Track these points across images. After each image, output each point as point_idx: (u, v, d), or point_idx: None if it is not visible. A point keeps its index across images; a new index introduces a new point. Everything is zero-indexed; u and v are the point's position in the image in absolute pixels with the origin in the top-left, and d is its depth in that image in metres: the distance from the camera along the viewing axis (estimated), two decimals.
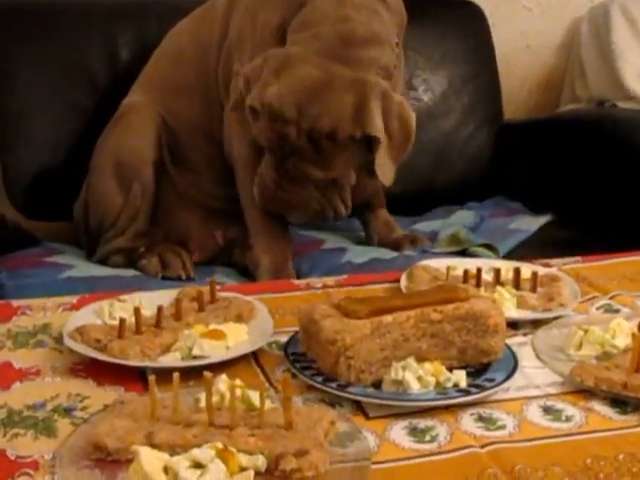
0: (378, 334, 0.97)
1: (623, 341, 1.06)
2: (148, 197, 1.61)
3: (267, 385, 0.99)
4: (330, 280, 1.32)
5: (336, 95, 1.42)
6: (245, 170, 1.59)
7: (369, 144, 1.45)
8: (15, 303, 1.21)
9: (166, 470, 0.79)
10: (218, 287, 1.23)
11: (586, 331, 1.07)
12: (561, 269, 1.35)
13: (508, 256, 1.56)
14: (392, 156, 1.46)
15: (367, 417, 0.93)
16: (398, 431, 0.90)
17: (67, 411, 0.93)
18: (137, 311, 1.05)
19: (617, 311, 1.20)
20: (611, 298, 1.25)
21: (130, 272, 1.55)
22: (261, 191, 1.52)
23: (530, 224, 1.77)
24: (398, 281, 1.27)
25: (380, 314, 0.98)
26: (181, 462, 0.80)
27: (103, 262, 1.61)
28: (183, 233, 1.66)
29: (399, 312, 0.99)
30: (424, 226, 1.81)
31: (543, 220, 1.80)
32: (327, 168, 1.47)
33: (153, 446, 0.83)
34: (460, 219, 1.81)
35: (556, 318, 1.16)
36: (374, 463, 0.84)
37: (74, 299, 1.23)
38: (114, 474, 0.80)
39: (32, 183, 1.77)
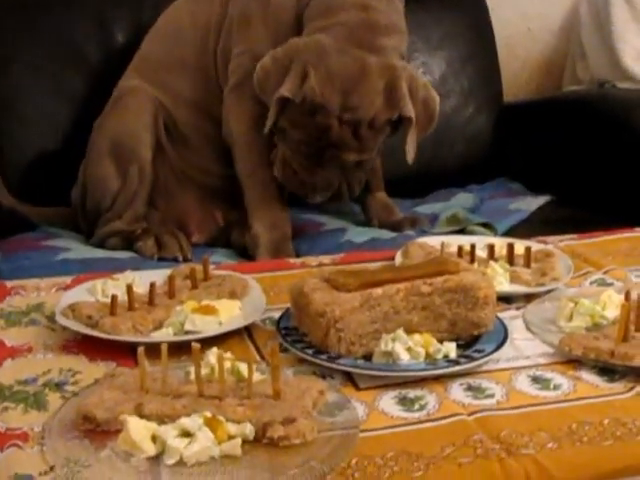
0: (368, 306, 0.98)
1: (613, 312, 1.07)
2: (146, 179, 1.63)
3: (258, 358, 1.01)
4: (326, 258, 1.34)
5: (371, 82, 1.49)
6: (244, 149, 1.61)
7: (396, 125, 1.53)
8: (9, 284, 1.22)
9: (154, 439, 0.81)
10: (212, 266, 1.26)
11: (576, 303, 1.08)
12: (557, 246, 1.36)
13: (506, 235, 1.57)
14: (416, 136, 1.53)
15: (357, 388, 0.94)
16: (387, 401, 0.92)
17: (58, 386, 0.94)
18: (129, 288, 1.07)
19: (610, 284, 1.22)
20: (605, 273, 1.26)
21: (127, 254, 1.56)
22: (284, 176, 1.56)
23: (529, 204, 1.78)
24: (394, 259, 1.29)
25: (370, 287, 1.00)
26: (169, 431, 0.81)
27: (100, 245, 1.62)
28: (182, 214, 1.68)
29: (389, 285, 1.00)
30: (425, 209, 1.82)
31: (542, 200, 1.81)
32: (363, 152, 1.53)
33: (142, 416, 0.84)
34: (460, 201, 1.82)
35: (549, 292, 1.18)
36: (363, 431, 0.85)
37: (68, 279, 1.24)
38: (103, 444, 0.82)
39: (28, 168, 1.78)
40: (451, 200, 1.85)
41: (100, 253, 1.55)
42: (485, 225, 1.61)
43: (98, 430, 0.84)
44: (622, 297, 1.09)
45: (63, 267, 1.41)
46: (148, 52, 1.74)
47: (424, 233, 1.61)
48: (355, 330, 0.97)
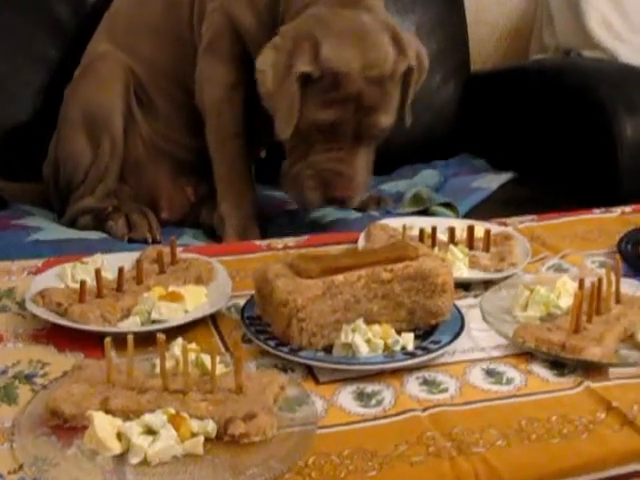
0: (330, 294, 1.00)
1: (567, 301, 1.10)
2: (117, 152, 1.62)
3: (223, 349, 1.04)
4: (291, 241, 1.36)
5: (379, 37, 1.49)
6: (213, 118, 1.59)
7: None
8: None
9: (119, 436, 0.84)
10: (180, 248, 1.28)
11: (532, 291, 1.11)
12: (516, 228, 1.39)
13: (468, 215, 1.60)
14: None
15: (317, 382, 0.97)
16: (346, 395, 0.95)
17: (28, 378, 0.97)
18: (98, 273, 1.09)
19: (566, 270, 1.25)
20: (562, 257, 1.29)
21: (97, 234, 1.57)
22: (312, 190, 1.52)
23: (491, 182, 1.80)
24: (351, 243, 1.32)
25: (332, 273, 1.02)
26: (134, 428, 0.84)
27: (72, 223, 1.62)
28: (153, 190, 1.68)
29: (350, 271, 1.02)
30: (390, 187, 1.84)
31: (504, 178, 1.83)
32: (391, 112, 1.52)
33: (108, 411, 0.87)
34: (424, 179, 1.84)
35: (506, 278, 1.21)
36: (321, 427, 0.89)
37: (39, 262, 1.26)
38: (70, 441, 0.85)
39: None
40: (415, 177, 1.87)
41: (71, 233, 1.55)
42: (447, 205, 1.63)
43: (66, 426, 0.87)
44: (577, 285, 1.13)
45: (34, 249, 1.42)
46: (117, 13, 1.71)
47: (388, 213, 1.63)
48: (317, 320, 1.00)
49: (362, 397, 0.95)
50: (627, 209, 1.49)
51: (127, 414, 0.87)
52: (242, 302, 1.11)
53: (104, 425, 0.84)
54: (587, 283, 1.10)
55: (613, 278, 1.10)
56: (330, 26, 1.47)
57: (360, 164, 1.52)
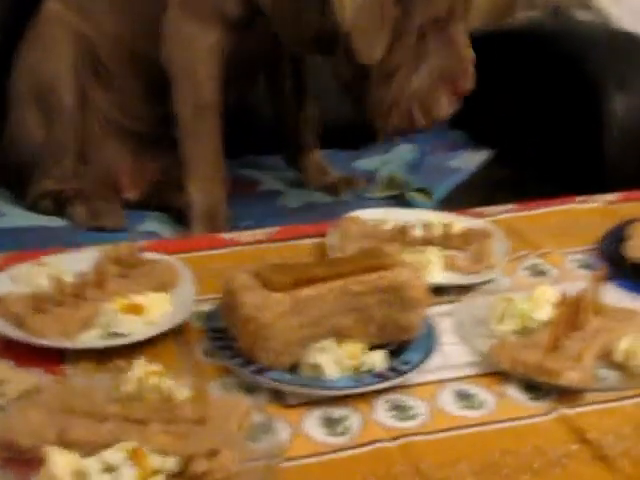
0: (298, 310, 0.99)
1: (545, 313, 1.10)
2: (71, 129, 1.57)
3: (186, 365, 1.03)
4: (261, 234, 1.34)
5: None
6: (188, 82, 1.51)
7: None
8: None
9: (78, 474, 0.83)
10: (143, 241, 1.26)
11: (509, 302, 1.10)
12: (494, 220, 1.38)
13: (444, 201, 1.58)
14: None
15: (285, 403, 0.97)
16: (313, 421, 0.94)
17: None
18: (57, 281, 1.07)
19: (545, 272, 1.24)
20: (541, 256, 1.29)
21: (59, 222, 1.54)
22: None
23: (469, 161, 1.77)
24: (323, 236, 1.30)
25: (301, 285, 1.01)
26: (92, 465, 0.83)
27: (33, 208, 1.59)
28: (113, 168, 1.63)
29: (320, 283, 1.01)
30: (363, 164, 1.81)
31: (483, 156, 1.81)
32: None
33: (66, 443, 0.86)
34: (399, 155, 1.81)
35: (482, 283, 1.20)
36: (287, 460, 0.88)
37: None
38: (26, 477, 0.84)
39: None
40: (389, 153, 1.83)
41: (32, 221, 1.52)
42: (422, 190, 1.61)
43: (22, 459, 0.86)
44: (556, 292, 1.12)
45: None
46: None
47: (360, 198, 1.61)
48: (284, 338, 0.99)
49: (329, 423, 0.94)
50: (612, 198, 1.48)
51: (87, 446, 0.87)
52: (207, 307, 1.11)
53: (61, 462, 0.83)
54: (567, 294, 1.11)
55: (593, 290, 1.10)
56: None
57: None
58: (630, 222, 1.33)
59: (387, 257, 1.05)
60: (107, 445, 0.85)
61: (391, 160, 1.81)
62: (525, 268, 1.26)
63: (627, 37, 1.84)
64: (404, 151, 1.86)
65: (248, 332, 0.98)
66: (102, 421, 0.89)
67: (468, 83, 1.45)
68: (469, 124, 1.94)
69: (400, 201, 1.60)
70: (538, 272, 1.25)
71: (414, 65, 1.43)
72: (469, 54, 1.45)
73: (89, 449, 0.86)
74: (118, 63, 1.60)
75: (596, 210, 1.44)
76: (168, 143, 1.58)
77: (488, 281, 1.20)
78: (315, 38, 1.47)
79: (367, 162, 1.84)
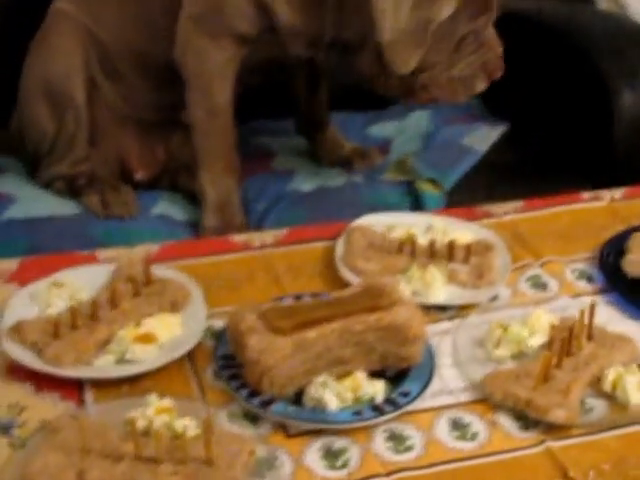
0: (301, 350, 1.08)
1: (540, 339, 1.17)
2: (82, 123, 1.65)
3: (197, 392, 1.11)
4: (269, 236, 1.41)
5: None
6: (202, 90, 1.59)
7: None
8: None
9: None
10: (155, 248, 1.34)
11: (505, 329, 1.18)
12: (500, 221, 1.44)
13: (452, 193, 1.64)
14: None
15: (287, 433, 1.06)
16: (314, 453, 1.03)
17: (5, 429, 1.04)
18: (73, 310, 1.15)
19: (545, 285, 1.31)
20: (542, 265, 1.35)
21: (72, 208, 1.63)
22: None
23: (482, 140, 1.82)
24: (338, 236, 1.37)
25: (304, 327, 1.09)
26: None
27: (47, 186, 1.68)
28: (123, 152, 1.71)
29: (323, 325, 1.09)
30: (377, 130, 1.87)
31: (498, 132, 1.85)
32: None
33: None
34: (415, 123, 1.86)
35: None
36: None
37: (15, 264, 1.32)
38: None
39: None
40: (405, 119, 1.89)
41: (46, 207, 1.61)
42: (432, 181, 1.67)
43: None
44: (550, 317, 1.19)
45: (8, 232, 1.48)
46: None
47: (371, 180, 1.67)
48: (287, 374, 1.07)
49: (329, 455, 1.03)
50: (617, 194, 1.53)
51: None
52: (217, 324, 1.19)
53: None
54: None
55: (587, 318, 1.16)
56: None
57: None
58: (631, 231, 1.38)
59: (385, 297, 1.12)
60: None
61: (406, 129, 1.87)
62: (526, 279, 1.32)
63: (636, 30, 1.86)
64: (419, 119, 1.91)
65: (253, 371, 1.07)
66: (117, 461, 0.98)
67: (500, 71, 1.58)
68: (487, 94, 1.97)
69: (410, 188, 1.67)
70: (539, 284, 1.31)
71: (450, 64, 1.54)
72: (501, 51, 1.56)
73: None
74: (126, 61, 1.67)
75: (601, 209, 1.49)
76: (174, 127, 1.68)
77: (489, 299, 1.27)
78: (330, 45, 1.53)
79: (382, 129, 1.91)
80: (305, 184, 1.70)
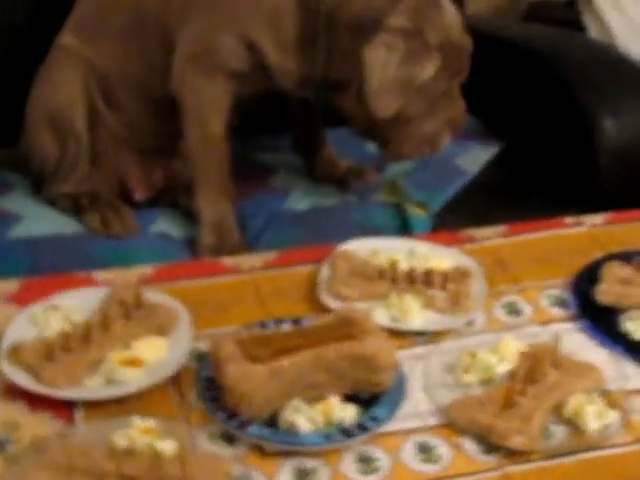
0: (276, 376, 1.16)
1: (508, 365, 1.25)
2: (84, 147, 1.76)
3: (180, 410, 1.20)
4: (258, 261, 1.49)
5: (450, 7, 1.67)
6: (198, 122, 1.70)
7: None
8: None
9: None
10: (150, 270, 1.43)
11: (474, 356, 1.26)
12: (481, 247, 1.52)
13: (440, 214, 1.73)
14: None
15: (263, 453, 1.14)
16: (286, 474, 1.11)
17: (1, 445, 1.13)
18: (65, 333, 1.25)
19: (519, 312, 1.38)
20: (519, 291, 1.42)
21: (73, 226, 1.73)
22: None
23: (474, 161, 1.90)
24: (324, 260, 1.45)
25: (279, 355, 1.17)
26: None
27: (52, 203, 1.78)
28: (123, 174, 1.82)
29: (297, 353, 1.18)
30: (374, 147, 1.95)
31: (490, 152, 1.93)
32: None
33: None
34: None
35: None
36: None
37: (16, 285, 1.41)
38: None
39: None
40: None
41: (48, 225, 1.72)
42: (419, 204, 1.76)
43: None
44: (519, 344, 1.27)
45: (11, 252, 1.60)
46: (84, 9, 1.80)
47: (363, 201, 1.76)
48: (263, 399, 1.16)
49: (301, 476, 1.11)
50: (598, 220, 1.60)
51: None
52: (203, 346, 1.27)
53: None
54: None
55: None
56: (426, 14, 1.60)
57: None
58: (607, 259, 1.45)
59: (358, 325, 1.20)
60: None
61: None
62: (502, 306, 1.40)
63: (620, 60, 1.95)
64: None
65: (231, 397, 1.15)
66: (99, 479, 1.07)
67: (462, 124, 1.74)
68: (483, 112, 2.06)
69: (399, 209, 1.75)
70: (514, 311, 1.39)
71: (425, 118, 1.67)
72: (463, 105, 1.71)
73: None
74: (126, 92, 1.78)
75: (582, 235, 1.56)
76: (173, 153, 1.79)
77: (462, 325, 1.35)
78: (319, 86, 1.66)
79: None
80: (300, 203, 1.79)
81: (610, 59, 1.94)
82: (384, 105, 1.60)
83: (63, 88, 1.75)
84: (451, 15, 1.64)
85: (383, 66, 1.56)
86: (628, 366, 1.28)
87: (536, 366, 1.22)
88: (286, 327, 1.28)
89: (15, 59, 1.89)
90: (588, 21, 2.20)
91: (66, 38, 1.79)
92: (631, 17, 2.16)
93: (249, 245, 1.68)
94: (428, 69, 1.59)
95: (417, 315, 1.34)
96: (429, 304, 1.37)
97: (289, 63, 1.64)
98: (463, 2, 2.15)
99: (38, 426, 1.17)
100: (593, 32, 2.19)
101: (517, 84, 1.98)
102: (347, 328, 1.22)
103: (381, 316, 1.34)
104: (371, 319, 1.25)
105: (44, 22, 1.86)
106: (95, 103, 1.77)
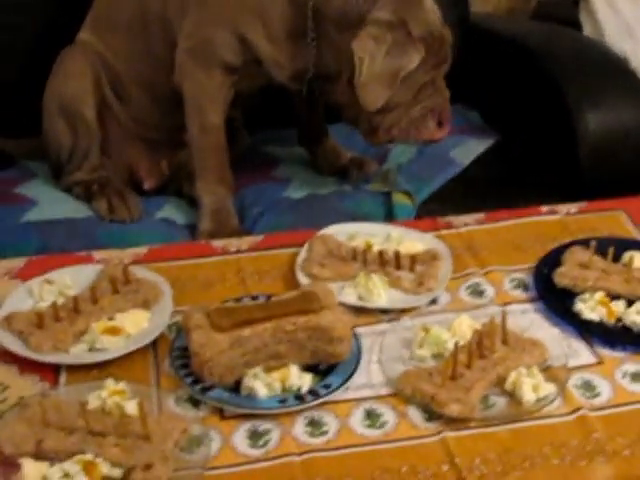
0: (237, 345, 1.27)
1: (462, 340, 1.34)
2: (94, 137, 1.90)
3: (153, 381, 1.32)
4: (245, 243, 1.61)
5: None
6: (198, 111, 1.82)
7: None
8: None
9: (44, 478, 1.15)
10: (144, 250, 1.56)
11: (428, 331, 1.35)
12: (458, 232, 1.61)
13: (424, 205, 1.83)
14: None
15: (222, 416, 1.25)
16: (241, 434, 1.22)
17: None
18: (55, 305, 1.37)
19: (482, 292, 1.47)
20: (484, 274, 1.51)
21: (84, 211, 1.87)
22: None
23: (467, 153, 1.99)
24: (303, 245, 1.56)
25: (241, 326, 1.29)
26: (54, 473, 1.14)
27: (68, 190, 1.93)
28: (132, 164, 1.96)
29: (258, 324, 1.29)
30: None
31: (485, 145, 2.01)
32: None
33: (41, 452, 1.17)
34: None
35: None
36: (213, 468, 1.17)
37: (22, 262, 1.55)
38: (8, 476, 1.16)
39: (2, 102, 2.04)
40: None
41: (60, 210, 1.85)
42: (407, 193, 1.85)
43: (7, 462, 1.18)
44: (473, 322, 1.36)
45: (24, 234, 1.75)
46: (99, 7, 1.95)
47: (357, 189, 1.86)
48: (226, 365, 1.27)
49: (254, 436, 1.22)
50: (572, 209, 1.68)
51: (57, 454, 1.18)
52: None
53: (31, 470, 1.14)
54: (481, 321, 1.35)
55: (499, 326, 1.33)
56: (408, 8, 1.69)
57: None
58: (570, 244, 1.53)
59: (316, 302, 1.31)
60: (72, 454, 1.17)
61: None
62: (467, 287, 1.49)
63: (606, 56, 2.02)
64: None
65: (195, 363, 1.27)
66: (71, 433, 1.20)
67: (448, 113, 1.80)
68: (482, 105, 2.14)
69: (387, 198, 1.86)
70: (477, 292, 1.48)
71: (410, 106, 1.76)
72: (447, 94, 1.79)
73: (59, 457, 1.17)
74: (135, 86, 1.93)
75: (553, 223, 1.64)
76: (178, 144, 1.91)
77: (426, 303, 1.44)
78: (312, 79, 1.77)
79: None
80: (298, 191, 1.90)
81: (597, 55, 2.01)
82: (373, 98, 1.69)
83: (75, 79, 1.89)
84: (431, 8, 1.73)
85: (371, 58, 1.65)
86: (576, 345, 1.36)
87: (485, 342, 1.31)
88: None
89: (38, 54, 2.04)
90: (583, 19, 2.26)
91: (84, 35, 1.94)
92: (625, 18, 2.21)
93: (247, 231, 1.80)
94: (413, 59, 1.68)
95: (382, 294, 1.44)
96: (395, 284, 1.47)
97: (281, 57, 1.75)
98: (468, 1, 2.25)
99: (25, 388, 1.30)
100: (587, 30, 2.25)
101: (513, 79, 2.06)
102: (308, 303, 1.32)
103: (349, 295, 1.44)
104: (331, 295, 1.36)
105: (67, 20, 2.00)
106: (105, 96, 1.91)
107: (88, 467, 1.15)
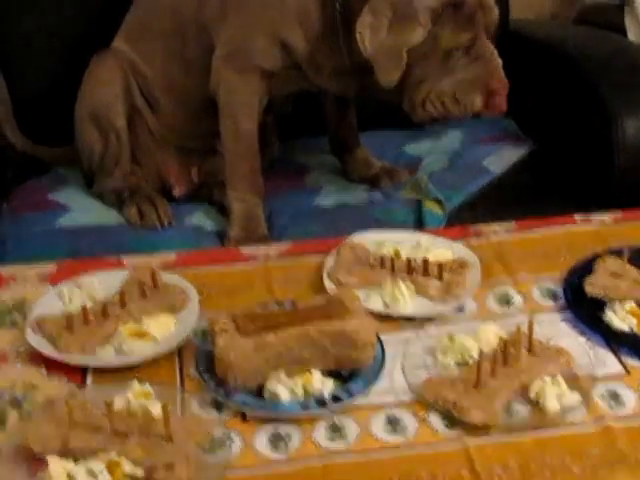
0: (262, 349, 1.33)
1: (487, 348, 1.38)
2: (124, 144, 1.98)
3: (179, 383, 1.38)
4: (273, 249, 1.67)
5: None
6: (232, 118, 1.89)
7: None
8: (4, 272, 1.61)
9: (69, 476, 1.21)
10: (173, 257, 1.62)
11: (452, 339, 1.39)
12: (488, 242, 1.65)
13: (457, 210, 1.87)
14: None
15: (244, 419, 1.31)
16: (263, 436, 1.28)
17: (17, 403, 1.34)
18: (84, 308, 1.44)
19: (509, 301, 1.52)
20: (513, 283, 1.55)
21: (115, 218, 1.95)
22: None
23: (501, 162, 2.03)
24: (332, 249, 1.61)
25: (266, 331, 1.34)
26: (80, 471, 1.21)
27: (100, 197, 2.01)
28: (162, 171, 2.04)
29: (283, 329, 1.34)
30: (412, 149, 2.11)
31: (519, 153, 2.05)
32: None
33: (67, 450, 1.24)
34: (446, 143, 2.09)
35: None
36: (236, 469, 1.22)
37: (54, 268, 1.63)
38: (35, 472, 1.22)
39: (39, 108, 2.14)
40: (441, 139, 2.12)
41: (91, 217, 1.94)
42: (437, 201, 1.90)
43: (34, 459, 1.25)
44: (498, 330, 1.40)
45: (56, 240, 1.83)
46: (132, 17, 2.03)
47: (389, 198, 1.91)
48: (249, 369, 1.33)
49: (276, 439, 1.28)
50: (607, 218, 1.71)
51: (82, 452, 1.24)
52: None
53: (57, 467, 1.21)
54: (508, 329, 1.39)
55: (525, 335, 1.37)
56: None
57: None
58: (602, 254, 1.56)
59: (343, 307, 1.37)
60: (97, 453, 1.23)
61: (437, 148, 2.09)
62: (494, 296, 1.53)
63: None
64: (452, 138, 2.15)
65: (220, 366, 1.33)
66: (96, 432, 1.26)
67: (498, 82, 1.76)
68: (519, 114, 2.18)
69: (418, 206, 1.91)
70: (505, 300, 1.52)
71: (440, 77, 1.76)
72: (496, 61, 1.76)
73: (84, 456, 1.24)
74: (167, 93, 2.00)
75: (586, 232, 1.68)
76: (209, 151, 1.99)
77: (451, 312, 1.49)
78: (348, 73, 1.81)
79: (416, 147, 2.16)
80: (327, 200, 1.96)
81: (637, 61, 2.04)
82: (385, 74, 1.72)
83: (105, 86, 1.97)
84: None
85: (373, 30, 1.69)
86: (602, 354, 1.40)
87: (510, 350, 1.35)
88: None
89: (72, 61, 2.12)
90: (628, 23, 2.29)
91: (117, 43, 2.02)
92: None
93: (275, 239, 1.85)
94: (416, 35, 1.69)
95: (409, 301, 1.49)
96: (422, 292, 1.51)
97: (318, 56, 1.80)
98: (508, 6, 2.29)
99: (53, 388, 1.37)
100: (631, 35, 2.27)
101: (550, 86, 2.10)
102: (334, 309, 1.38)
103: (375, 302, 1.49)
104: (357, 301, 1.41)
105: (102, 28, 2.08)
106: (136, 103, 1.98)
107: (112, 466, 1.21)
